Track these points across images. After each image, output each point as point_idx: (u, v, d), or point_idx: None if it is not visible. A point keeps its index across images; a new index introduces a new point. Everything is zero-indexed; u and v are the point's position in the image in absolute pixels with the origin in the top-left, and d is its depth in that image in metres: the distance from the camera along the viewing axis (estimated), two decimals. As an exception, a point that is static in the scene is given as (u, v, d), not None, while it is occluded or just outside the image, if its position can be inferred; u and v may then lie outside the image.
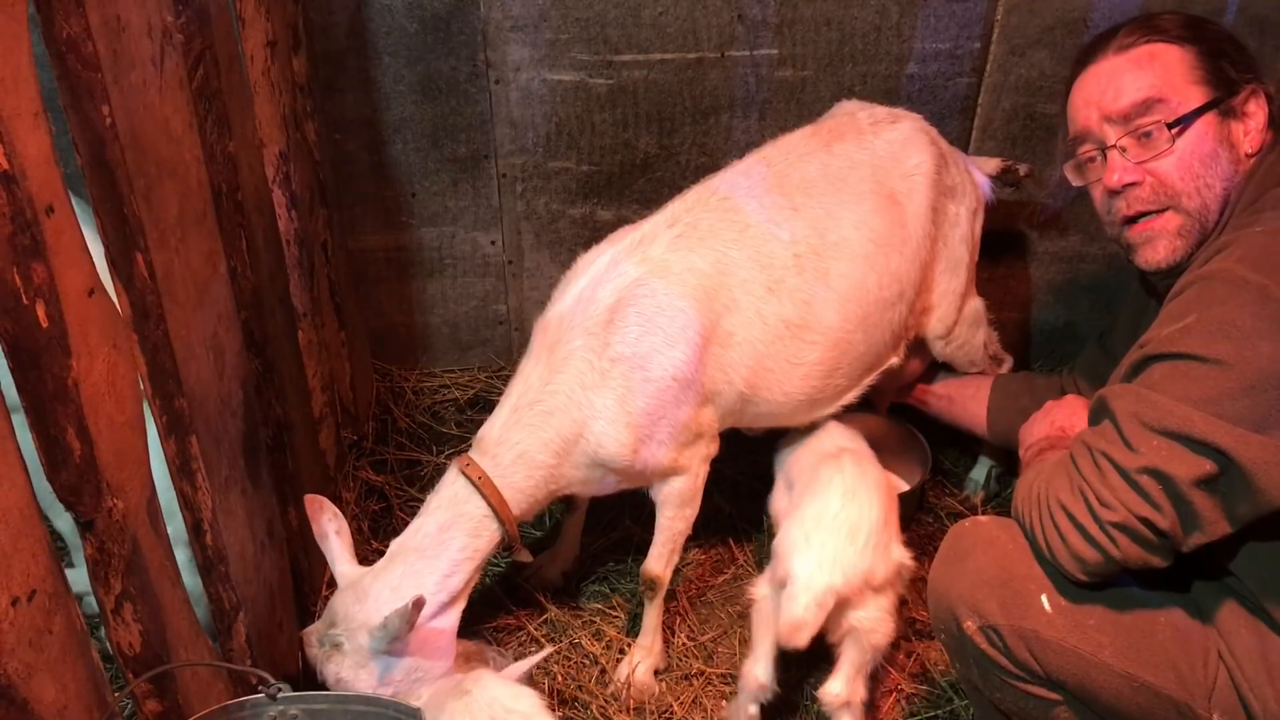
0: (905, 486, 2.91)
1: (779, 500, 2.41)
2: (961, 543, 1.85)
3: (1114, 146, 1.88)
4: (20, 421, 1.29)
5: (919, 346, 2.69)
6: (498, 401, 2.23)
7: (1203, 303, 1.58)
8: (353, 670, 2.00)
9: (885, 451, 3.00)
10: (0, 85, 1.21)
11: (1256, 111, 1.84)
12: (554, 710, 2.30)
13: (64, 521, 2.23)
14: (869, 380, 2.48)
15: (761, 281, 2.23)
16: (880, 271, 2.35)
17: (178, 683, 1.73)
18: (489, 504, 2.10)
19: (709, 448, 2.32)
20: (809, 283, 2.26)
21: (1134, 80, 1.86)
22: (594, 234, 2.41)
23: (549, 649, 2.15)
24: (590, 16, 2.86)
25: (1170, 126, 1.82)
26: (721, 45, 2.91)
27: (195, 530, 1.85)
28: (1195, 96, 1.83)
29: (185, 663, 1.74)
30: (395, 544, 2.12)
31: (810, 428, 2.46)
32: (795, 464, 2.39)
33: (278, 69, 2.45)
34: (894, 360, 2.52)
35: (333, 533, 2.13)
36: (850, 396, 2.47)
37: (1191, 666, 1.66)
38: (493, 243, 3.24)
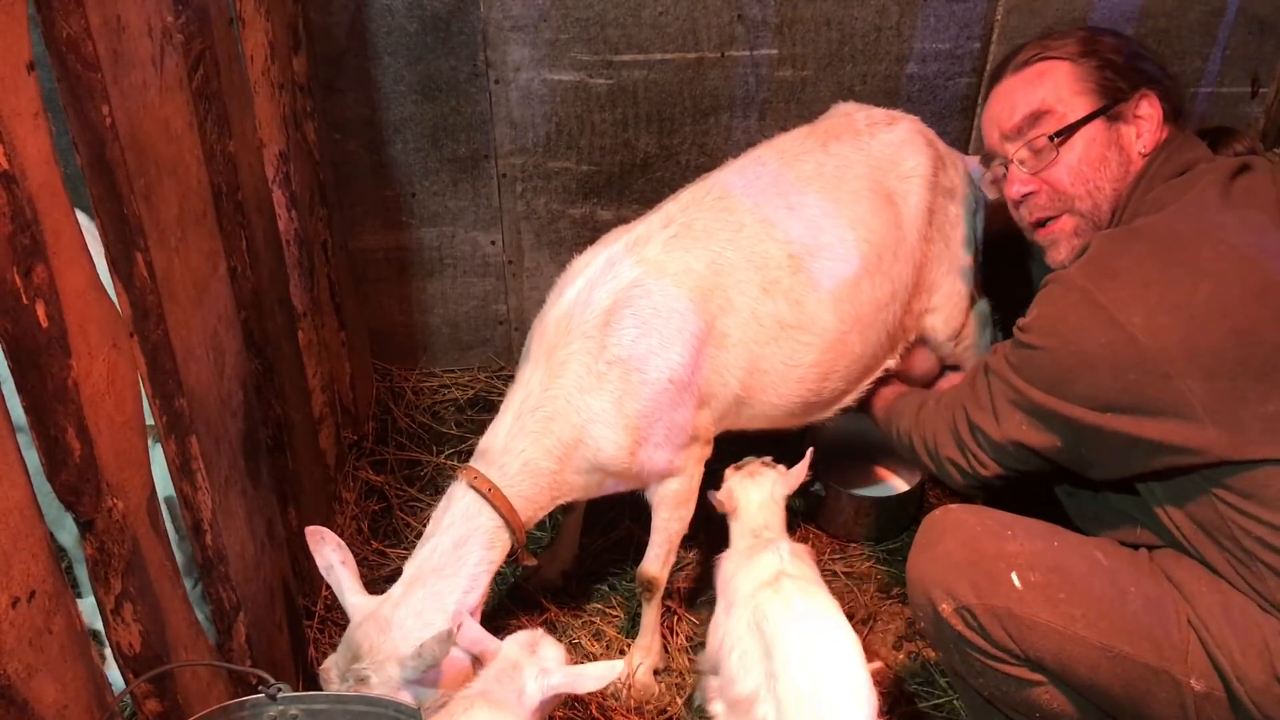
0: (905, 486, 2.91)
1: (718, 627, 2.06)
2: (933, 530, 1.92)
3: (1012, 160, 2.02)
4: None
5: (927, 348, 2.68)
6: (497, 401, 2.22)
7: (1046, 300, 1.81)
8: None
9: (885, 451, 3.01)
10: (0, 85, 1.21)
11: (1150, 113, 1.92)
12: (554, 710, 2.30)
13: (68, 535, 2.22)
14: (866, 383, 2.47)
15: (757, 282, 2.22)
16: (875, 272, 2.34)
17: (178, 683, 1.73)
18: (501, 515, 2.08)
19: (703, 450, 2.31)
20: (804, 283, 2.26)
21: (1025, 96, 2.00)
22: (594, 234, 2.41)
23: (621, 669, 1.96)
24: (590, 16, 2.86)
25: (1054, 137, 1.95)
26: (721, 45, 2.91)
27: (195, 530, 1.85)
28: (1081, 106, 1.95)
29: (185, 663, 1.74)
30: (411, 567, 2.06)
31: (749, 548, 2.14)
32: (732, 588, 2.06)
33: (278, 69, 2.45)
34: (890, 363, 2.52)
35: (337, 563, 2.05)
36: (849, 400, 2.46)
37: (1166, 633, 1.71)
38: (493, 243, 3.24)
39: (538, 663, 1.89)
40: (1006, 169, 2.04)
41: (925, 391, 2.36)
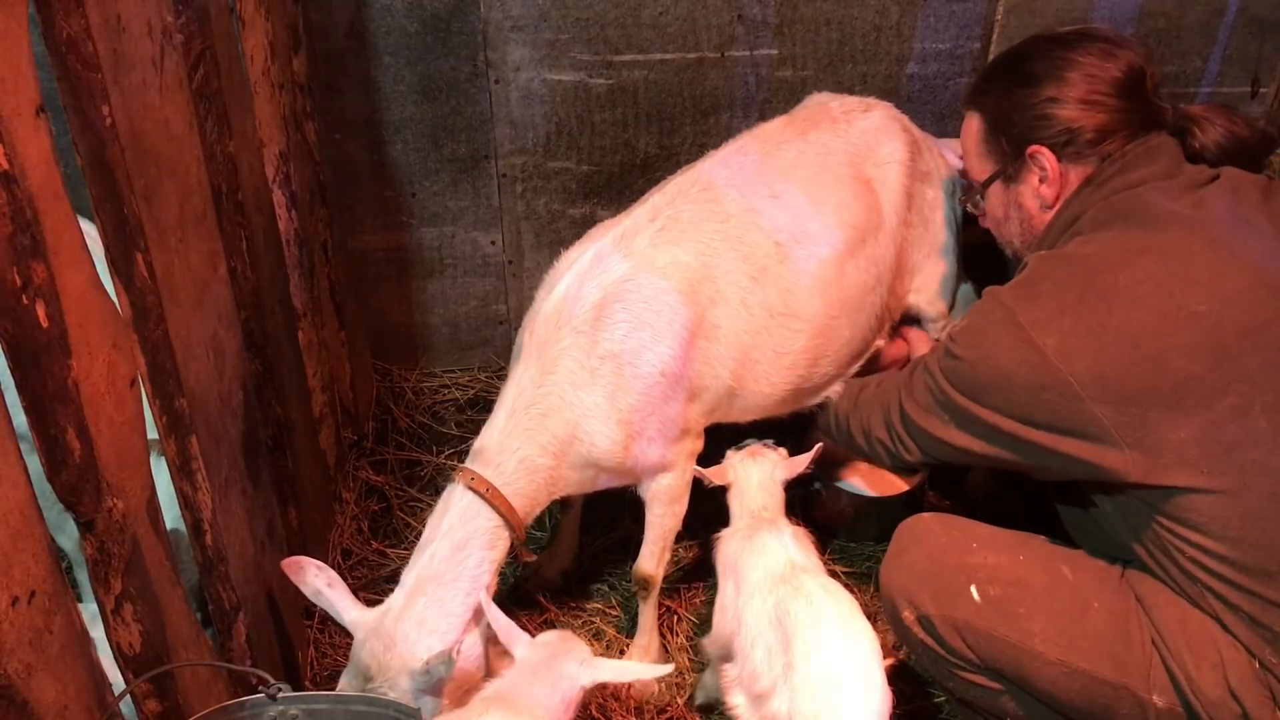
0: (905, 487, 2.91)
1: (725, 609, 2.08)
2: (902, 538, 1.96)
3: None
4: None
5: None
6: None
7: (975, 313, 1.88)
8: None
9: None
10: (0, 85, 1.21)
11: (1045, 165, 1.95)
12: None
13: (67, 539, 2.21)
14: (855, 367, 2.49)
15: (745, 271, 2.23)
16: (859, 257, 2.37)
17: (178, 683, 1.73)
18: (500, 514, 2.06)
19: (695, 444, 2.31)
20: (792, 271, 2.27)
21: (962, 148, 2.16)
22: (594, 234, 2.41)
23: (669, 667, 2.00)
24: (590, 16, 2.86)
25: (964, 203, 2.18)
26: (721, 45, 2.91)
27: (195, 530, 1.85)
28: (983, 170, 2.09)
29: (185, 663, 1.74)
30: (411, 575, 2.01)
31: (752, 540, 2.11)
32: (740, 570, 2.07)
33: (278, 69, 2.45)
34: (879, 343, 2.55)
35: (324, 587, 1.99)
36: (838, 386, 2.46)
37: (1129, 648, 1.72)
38: (493, 243, 3.24)
39: (579, 654, 1.91)
40: None
41: (867, 378, 2.40)
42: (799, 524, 2.16)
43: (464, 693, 1.98)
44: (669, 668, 1.99)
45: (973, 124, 2.08)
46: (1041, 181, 1.95)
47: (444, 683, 1.92)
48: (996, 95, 2.00)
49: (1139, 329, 1.67)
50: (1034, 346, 1.71)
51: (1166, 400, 1.65)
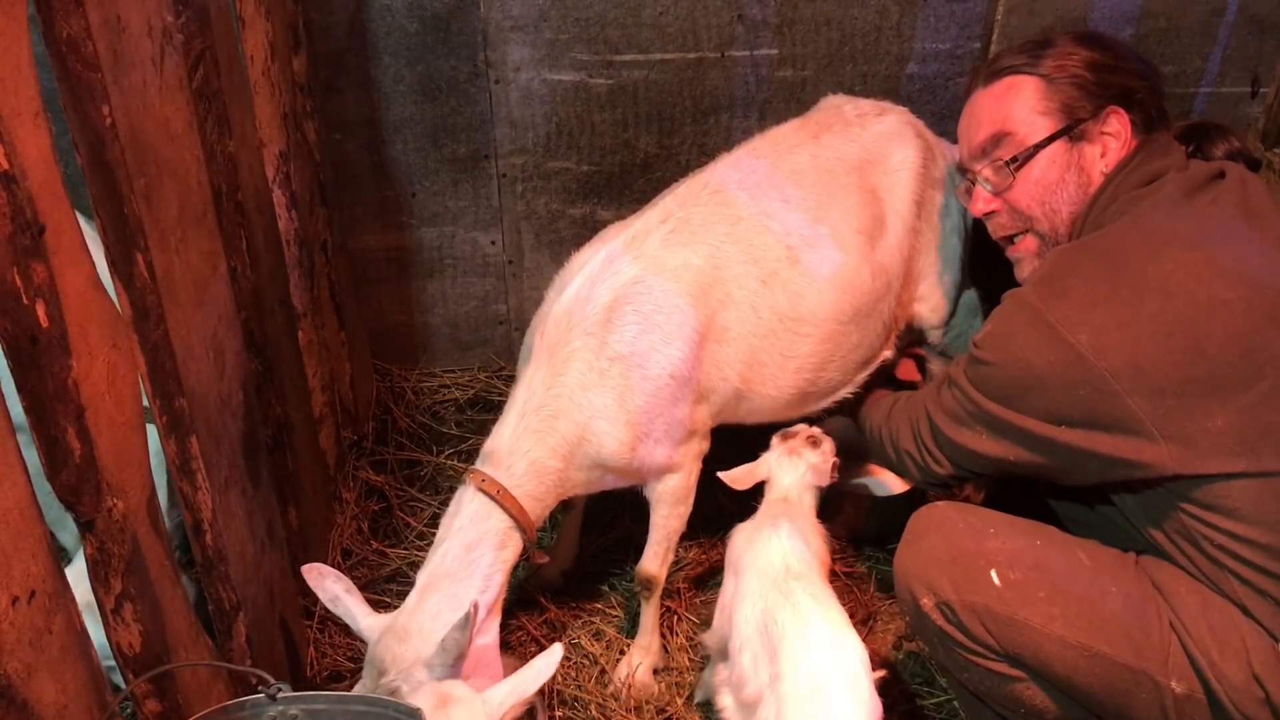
0: (905, 486, 2.90)
1: (724, 607, 2.11)
2: (917, 525, 1.94)
3: (977, 179, 2.07)
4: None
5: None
6: (497, 401, 2.22)
7: (999, 317, 1.83)
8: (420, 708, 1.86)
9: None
10: (0, 85, 1.21)
11: (1118, 129, 1.92)
12: (554, 710, 2.31)
13: (69, 536, 2.21)
14: (864, 375, 2.48)
15: (755, 275, 2.23)
16: (870, 262, 2.36)
17: (178, 683, 1.73)
18: (511, 516, 2.07)
19: (701, 445, 2.32)
20: (802, 275, 2.27)
21: (989, 114, 2.02)
22: (594, 234, 2.41)
23: (560, 654, 1.92)
24: (590, 16, 2.86)
25: (1011, 162, 1.98)
26: (721, 45, 2.91)
27: (195, 530, 1.85)
28: (1042, 128, 1.96)
29: (185, 663, 1.74)
30: (424, 574, 2.04)
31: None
32: (741, 566, 2.08)
33: (278, 69, 2.45)
34: (887, 354, 2.54)
35: (342, 593, 2.01)
36: (845, 392, 2.46)
37: (1147, 634, 1.72)
38: (493, 243, 3.24)
39: (474, 698, 1.81)
40: (974, 185, 2.09)
41: (901, 392, 2.37)
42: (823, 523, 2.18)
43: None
44: (558, 649, 1.87)
45: (1028, 84, 1.98)
46: (1108, 147, 1.93)
47: (461, 662, 1.90)
48: (1066, 56, 1.97)
49: (1172, 320, 1.67)
50: (1066, 344, 1.70)
51: (1202, 389, 1.66)
